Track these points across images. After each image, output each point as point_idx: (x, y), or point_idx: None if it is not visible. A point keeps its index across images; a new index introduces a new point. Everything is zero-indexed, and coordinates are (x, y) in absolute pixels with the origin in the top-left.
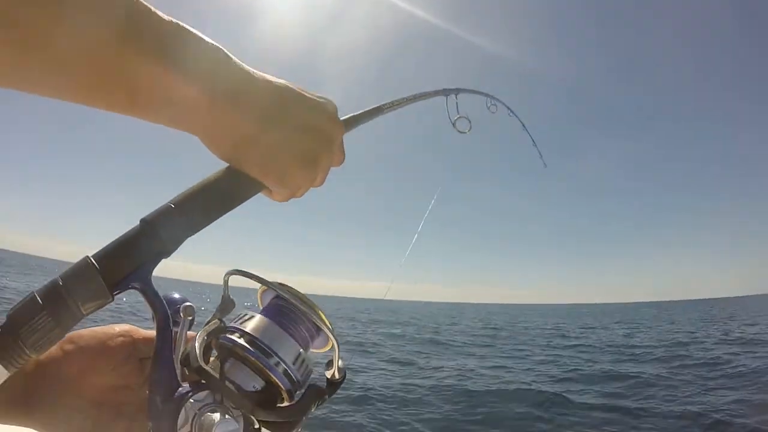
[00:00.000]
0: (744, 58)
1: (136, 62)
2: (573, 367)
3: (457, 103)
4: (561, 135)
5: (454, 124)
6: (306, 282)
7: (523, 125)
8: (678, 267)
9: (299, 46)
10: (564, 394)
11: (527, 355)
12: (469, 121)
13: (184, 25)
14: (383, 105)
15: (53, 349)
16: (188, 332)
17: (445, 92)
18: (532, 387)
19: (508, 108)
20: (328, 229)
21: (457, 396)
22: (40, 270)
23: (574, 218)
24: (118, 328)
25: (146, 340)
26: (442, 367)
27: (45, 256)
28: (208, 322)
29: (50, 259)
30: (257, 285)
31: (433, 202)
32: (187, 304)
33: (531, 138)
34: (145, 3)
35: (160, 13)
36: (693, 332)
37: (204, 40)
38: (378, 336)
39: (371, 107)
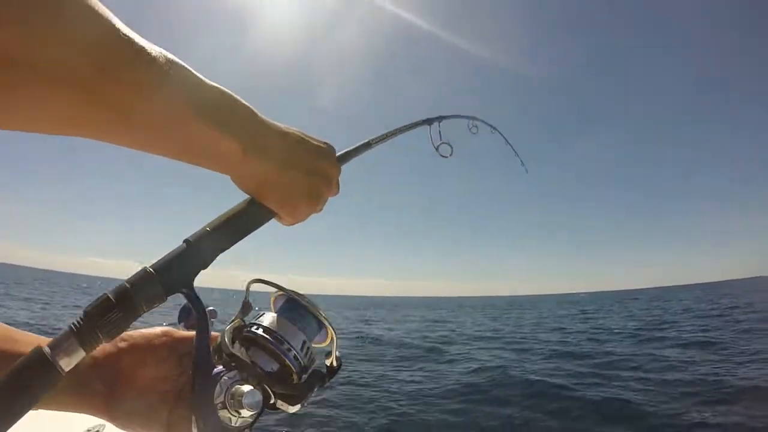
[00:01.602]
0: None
1: (195, 125)
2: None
3: (440, 130)
4: (546, 131)
5: (437, 149)
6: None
7: (506, 140)
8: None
9: (297, 48)
10: None
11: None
12: (451, 147)
13: (227, 90)
14: (372, 139)
15: (109, 346)
16: (212, 332)
17: (428, 121)
18: None
19: (490, 126)
20: (318, 236)
21: None
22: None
23: (554, 215)
24: (159, 329)
25: (183, 339)
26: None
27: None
28: (233, 320)
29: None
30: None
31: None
32: (211, 308)
33: (513, 149)
34: (196, 73)
35: (208, 82)
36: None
37: (240, 101)
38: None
39: (361, 143)
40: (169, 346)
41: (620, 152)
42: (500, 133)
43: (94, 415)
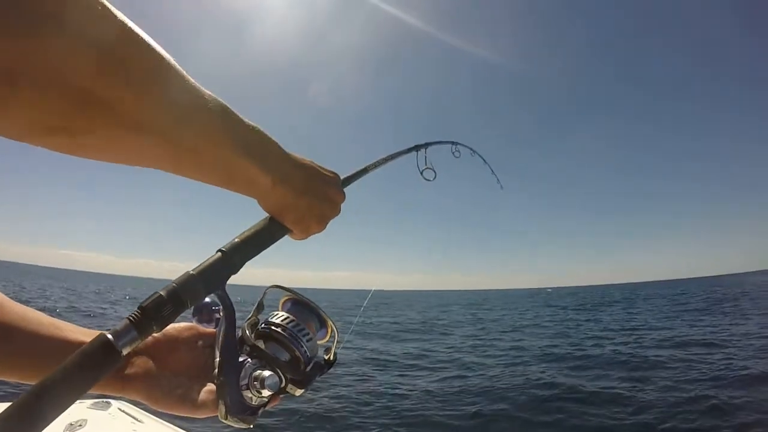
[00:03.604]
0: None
1: (237, 161)
2: None
3: (426, 156)
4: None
5: (422, 173)
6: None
7: (484, 160)
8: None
9: (296, 50)
10: None
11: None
12: (434, 171)
13: (260, 128)
14: (368, 166)
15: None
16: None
17: (417, 148)
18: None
19: (471, 149)
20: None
21: None
22: None
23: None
24: (186, 324)
25: (206, 333)
26: None
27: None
28: (249, 317)
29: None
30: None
31: (369, 298)
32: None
33: (491, 168)
34: (237, 114)
35: (247, 121)
36: None
37: (271, 138)
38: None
39: (359, 168)
40: (195, 337)
41: (616, 141)
42: (479, 155)
43: (133, 396)
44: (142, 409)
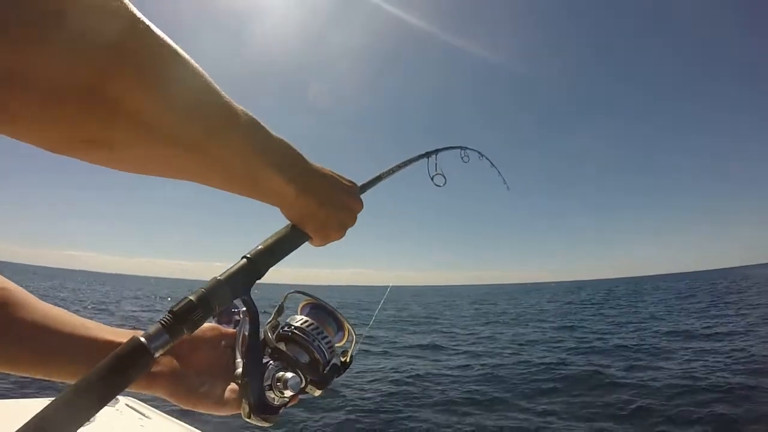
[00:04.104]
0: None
1: (264, 173)
2: None
3: (436, 163)
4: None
5: (432, 179)
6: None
7: (492, 163)
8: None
9: (296, 50)
10: None
11: None
12: (444, 177)
13: (286, 140)
14: (382, 173)
15: None
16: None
17: (427, 155)
18: None
19: (478, 152)
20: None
21: None
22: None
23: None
24: (208, 325)
25: (227, 333)
26: None
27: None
28: (269, 321)
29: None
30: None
31: (385, 296)
32: (244, 308)
33: (498, 171)
34: (266, 127)
35: (274, 134)
36: None
37: (295, 150)
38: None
39: (374, 176)
40: (217, 337)
41: (618, 141)
42: (487, 158)
43: (159, 394)
44: (149, 404)
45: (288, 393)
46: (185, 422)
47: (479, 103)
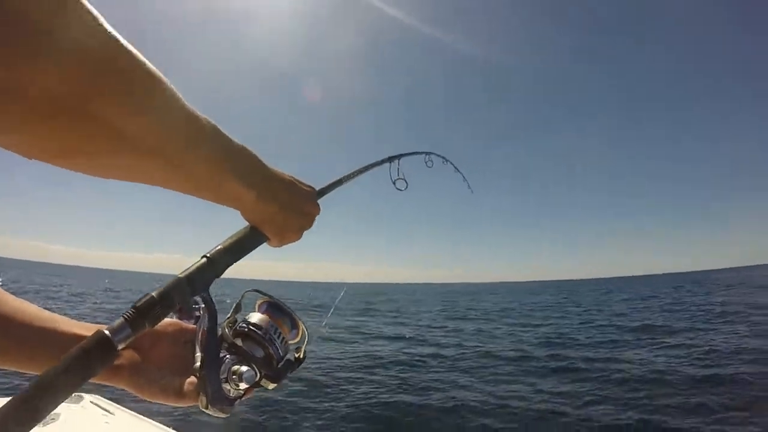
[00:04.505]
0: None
1: (226, 179)
2: None
3: (398, 168)
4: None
5: (394, 184)
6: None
7: (456, 168)
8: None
9: (292, 47)
10: None
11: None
12: (406, 181)
13: (247, 147)
14: (343, 177)
15: None
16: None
17: (390, 159)
18: None
19: (443, 158)
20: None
21: None
22: None
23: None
24: (169, 320)
25: (188, 329)
26: None
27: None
28: (228, 317)
29: None
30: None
31: (341, 295)
32: (203, 305)
33: (463, 176)
34: (227, 135)
35: (235, 141)
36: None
37: (256, 156)
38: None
39: (333, 180)
40: (177, 332)
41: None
42: (451, 163)
43: (121, 385)
44: (113, 402)
45: (243, 385)
46: (148, 418)
47: (453, 98)
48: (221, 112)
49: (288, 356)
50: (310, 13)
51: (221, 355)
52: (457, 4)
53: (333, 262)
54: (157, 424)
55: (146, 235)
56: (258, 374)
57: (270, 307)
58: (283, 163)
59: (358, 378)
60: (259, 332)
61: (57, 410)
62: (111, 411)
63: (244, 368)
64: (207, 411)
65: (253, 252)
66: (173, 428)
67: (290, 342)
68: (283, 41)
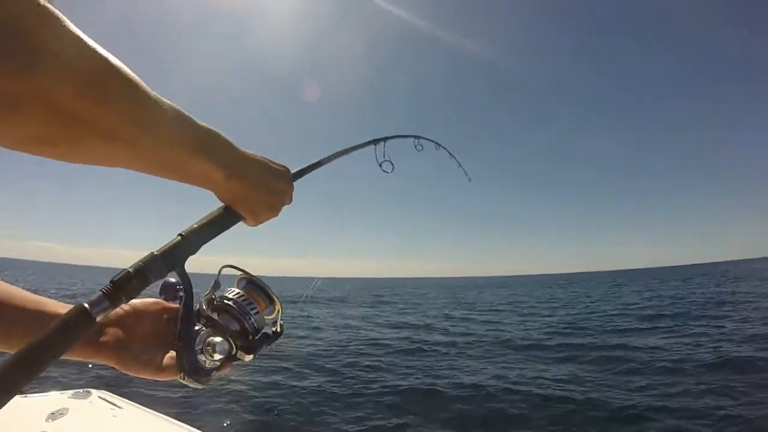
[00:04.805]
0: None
1: (193, 158)
2: None
3: (384, 150)
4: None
5: (380, 166)
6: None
7: (450, 153)
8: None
9: (294, 49)
10: None
11: None
12: (392, 164)
13: (213, 128)
14: (322, 159)
15: (117, 309)
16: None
17: (375, 142)
18: None
19: (435, 142)
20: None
21: None
22: None
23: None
24: (151, 299)
25: (170, 307)
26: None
27: None
28: (206, 293)
29: None
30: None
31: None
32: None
33: (458, 162)
34: (191, 117)
35: (200, 122)
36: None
37: (223, 137)
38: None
39: (312, 162)
40: (160, 311)
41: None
42: (445, 148)
43: (105, 361)
44: (121, 396)
45: (217, 356)
46: (156, 410)
47: (454, 95)
48: (221, 110)
49: (265, 330)
50: (311, 11)
51: (197, 327)
52: (457, 4)
53: (337, 259)
54: (165, 416)
55: (148, 235)
56: (233, 346)
57: (248, 284)
58: (282, 161)
59: (367, 364)
60: (234, 306)
61: (65, 405)
62: (119, 405)
63: (218, 339)
64: (184, 382)
65: (275, 249)
66: (183, 421)
67: (267, 317)
68: (284, 39)
